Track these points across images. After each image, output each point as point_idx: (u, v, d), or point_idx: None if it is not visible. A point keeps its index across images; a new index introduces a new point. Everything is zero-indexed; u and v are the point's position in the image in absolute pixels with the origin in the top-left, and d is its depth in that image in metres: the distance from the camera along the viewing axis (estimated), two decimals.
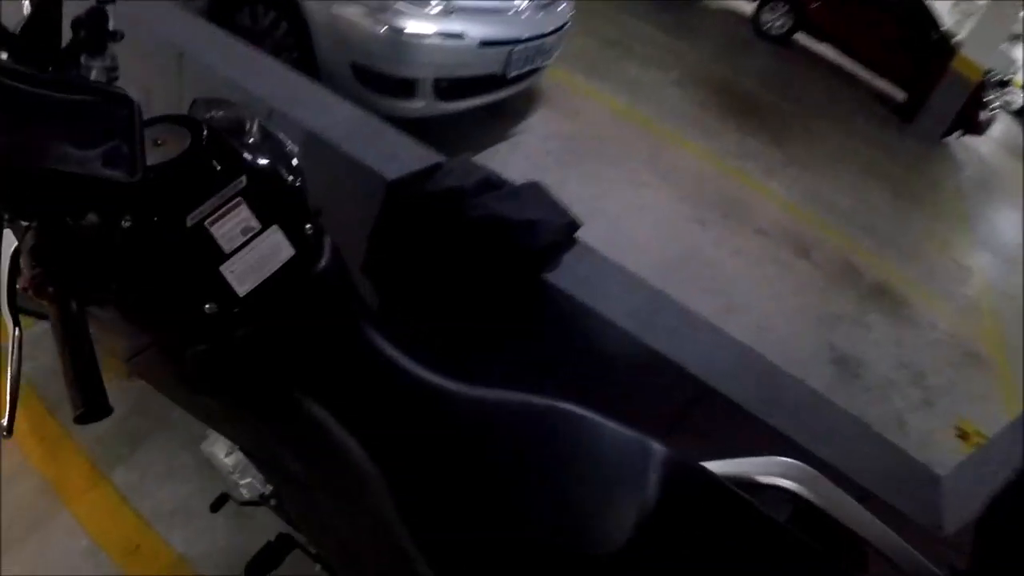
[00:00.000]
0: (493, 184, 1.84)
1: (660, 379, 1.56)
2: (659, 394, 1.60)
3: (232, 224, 0.94)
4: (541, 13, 3.80)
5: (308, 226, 1.04)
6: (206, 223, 0.92)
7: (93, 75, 1.04)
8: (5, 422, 0.81)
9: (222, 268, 0.92)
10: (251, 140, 1.06)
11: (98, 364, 0.77)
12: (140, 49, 2.42)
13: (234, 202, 0.94)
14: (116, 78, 1.10)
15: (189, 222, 0.90)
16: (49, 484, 1.99)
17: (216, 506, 1.55)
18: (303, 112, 1.97)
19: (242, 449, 1.32)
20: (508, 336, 1.79)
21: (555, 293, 1.65)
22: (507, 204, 1.75)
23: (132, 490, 2.01)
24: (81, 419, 0.73)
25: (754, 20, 9.98)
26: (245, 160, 0.98)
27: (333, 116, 2.00)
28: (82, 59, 1.05)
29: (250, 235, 0.95)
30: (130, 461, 2.04)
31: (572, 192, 3.93)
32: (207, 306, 0.91)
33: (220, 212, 0.92)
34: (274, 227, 0.98)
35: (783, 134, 6.24)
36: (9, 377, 0.81)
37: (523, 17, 3.66)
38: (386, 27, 3.01)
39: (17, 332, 0.86)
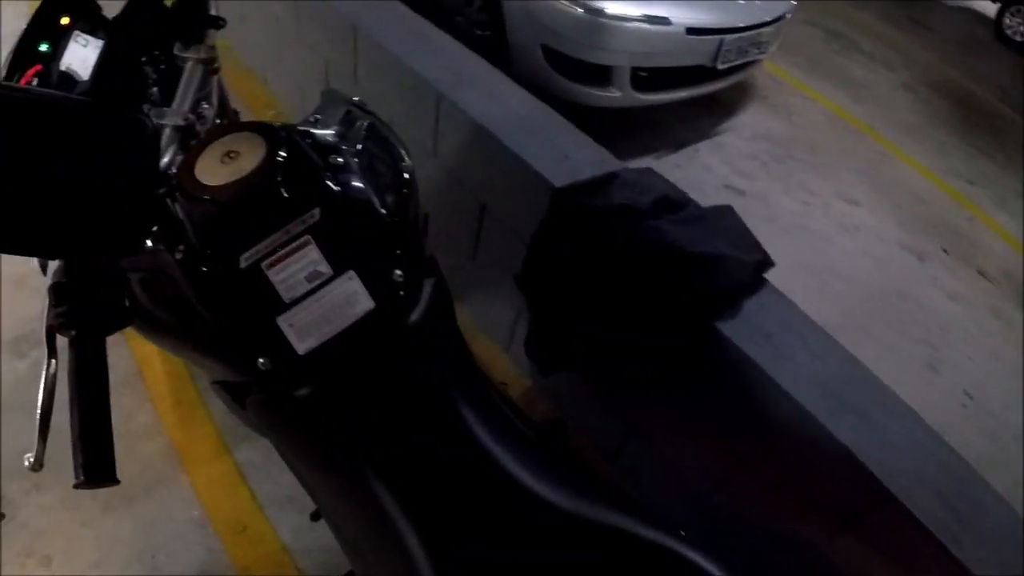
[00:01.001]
0: (674, 203, 1.63)
1: (834, 470, 1.34)
2: (830, 487, 1.38)
3: (296, 267, 0.82)
4: None
5: (398, 272, 0.90)
6: (263, 265, 0.81)
7: (188, 67, 0.99)
8: (33, 457, 0.77)
9: (279, 320, 0.82)
10: (349, 157, 0.94)
11: (110, 424, 0.72)
12: (320, 20, 2.41)
13: (301, 241, 0.82)
14: (216, 70, 1.07)
15: (243, 263, 0.80)
16: (175, 449, 2.07)
17: (316, 516, 1.49)
18: (472, 98, 1.89)
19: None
20: (663, 382, 1.63)
21: (727, 345, 1.44)
22: (688, 231, 1.54)
23: (253, 469, 2.05)
24: (81, 487, 0.68)
25: (996, 23, 8.77)
26: (325, 187, 0.86)
27: (504, 105, 1.88)
28: (176, 48, 1.01)
29: (318, 282, 0.83)
30: (256, 440, 2.02)
31: (776, 205, 3.65)
32: (260, 361, 0.82)
33: (283, 252, 0.81)
34: (350, 273, 0.85)
35: (1021, 158, 5.44)
36: (40, 410, 0.76)
37: (739, 2, 3.37)
38: (584, 7, 2.83)
39: (52, 365, 0.78)
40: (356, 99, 1.08)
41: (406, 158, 1.01)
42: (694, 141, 3.81)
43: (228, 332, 0.84)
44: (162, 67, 1.07)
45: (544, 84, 3.07)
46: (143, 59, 1.05)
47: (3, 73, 0.99)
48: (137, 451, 1.99)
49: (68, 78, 1.00)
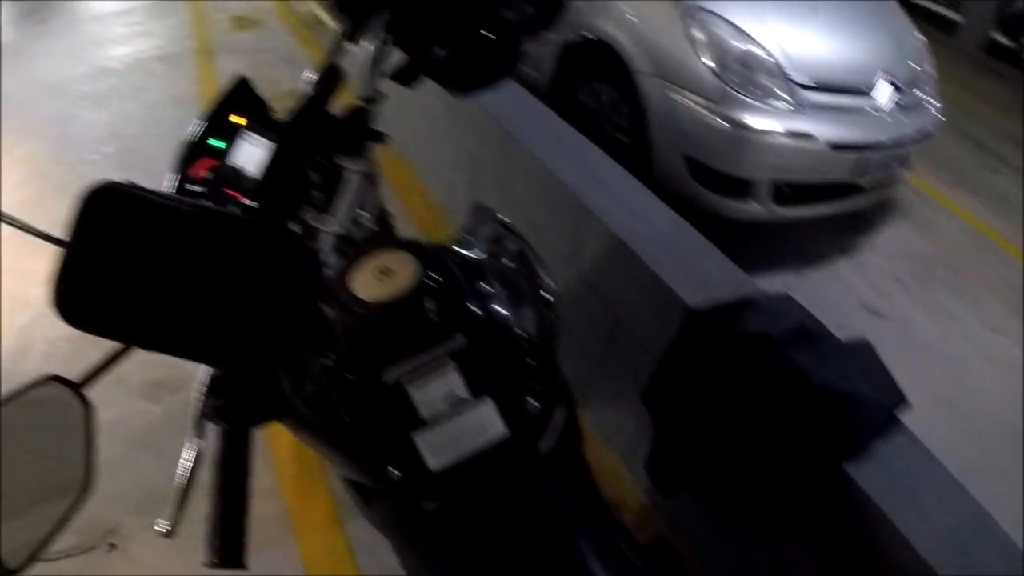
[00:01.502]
0: (811, 335, 1.62)
1: None
2: None
3: (436, 388, 0.85)
4: (906, 114, 3.45)
5: (533, 401, 0.93)
6: (404, 381, 0.84)
7: (349, 177, 1.12)
8: (165, 524, 0.83)
9: (415, 435, 0.85)
10: (496, 283, 0.98)
11: (247, 511, 0.77)
12: (471, 119, 2.55)
13: (443, 364, 0.85)
14: (375, 184, 1.18)
15: (387, 378, 0.83)
16: (289, 513, 2.18)
17: None
18: (614, 210, 1.98)
19: None
20: (785, 516, 1.62)
21: (853, 488, 1.43)
22: (824, 366, 1.52)
23: (362, 547, 2.11)
24: (209, 566, 0.74)
25: None
26: (471, 313, 0.89)
27: (644, 221, 1.94)
28: (339, 157, 1.12)
29: (455, 404, 0.86)
30: None
31: (915, 329, 3.55)
32: (391, 470, 0.86)
33: (425, 373, 0.84)
34: (487, 400, 0.87)
35: None
36: (181, 485, 0.82)
37: (885, 118, 3.35)
38: (727, 120, 2.89)
39: (198, 443, 0.85)
40: (506, 220, 1.15)
41: (551, 285, 1.06)
42: (833, 257, 3.75)
43: (364, 438, 0.89)
44: (325, 173, 1.17)
45: (684, 193, 3.16)
46: (308, 163, 1.15)
47: (178, 165, 1.07)
48: (252, 510, 2.07)
49: (238, 174, 1.06)
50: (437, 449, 0.85)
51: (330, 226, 1.05)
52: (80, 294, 0.63)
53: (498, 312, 0.94)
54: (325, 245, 1.03)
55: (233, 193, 1.04)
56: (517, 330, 0.95)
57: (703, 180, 3.11)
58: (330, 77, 1.15)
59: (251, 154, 1.09)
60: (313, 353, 0.85)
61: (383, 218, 1.37)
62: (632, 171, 2.19)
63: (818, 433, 1.44)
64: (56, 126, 4.64)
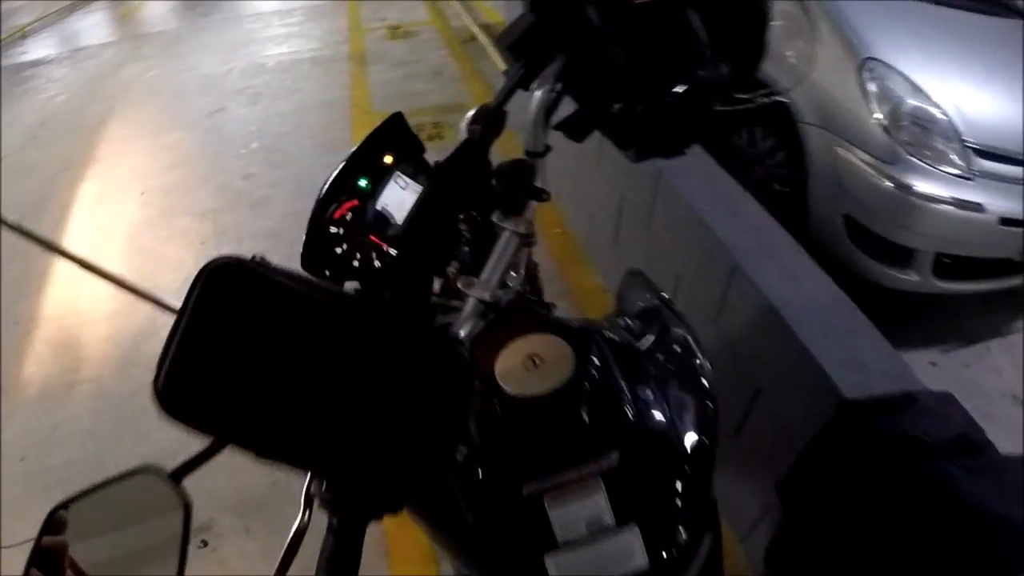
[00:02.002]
0: (971, 445, 1.46)
1: None
2: None
3: (578, 509, 0.76)
4: None
5: (683, 530, 0.83)
6: (545, 496, 0.76)
7: (503, 238, 0.97)
8: None
9: (547, 557, 0.76)
10: (657, 387, 0.89)
11: None
12: (622, 159, 2.45)
13: (591, 483, 0.76)
14: (531, 244, 1.03)
15: (525, 490, 0.76)
16: (387, 541, 2.17)
17: None
18: (769, 274, 1.84)
19: None
20: None
21: None
22: (983, 484, 1.37)
23: None
24: None
25: None
26: (628, 424, 0.81)
27: (802, 289, 1.80)
28: (494, 216, 1.00)
29: (597, 530, 0.76)
30: None
31: None
32: None
33: (570, 492, 0.76)
34: (633, 528, 0.77)
35: None
36: (282, 554, 0.73)
37: None
38: (894, 182, 2.69)
39: (303, 518, 0.75)
40: (666, 296, 1.08)
41: (711, 375, 0.96)
42: (986, 338, 3.43)
43: (489, 548, 0.82)
44: (476, 228, 1.09)
45: (838, 253, 2.98)
46: (459, 215, 1.08)
47: (320, 198, 1.02)
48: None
49: (382, 218, 1.02)
50: (569, 573, 0.76)
51: (476, 290, 0.94)
52: (188, 382, 0.54)
53: (657, 428, 0.85)
54: (468, 310, 0.95)
55: (375, 239, 0.99)
56: (675, 443, 0.86)
57: (861, 243, 2.91)
58: (492, 122, 1.06)
59: (399, 198, 1.05)
60: (446, 451, 0.74)
61: (534, 282, 1.29)
62: (784, 223, 2.06)
63: (969, 557, 1.30)
64: (207, 118, 4.88)
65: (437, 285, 1.11)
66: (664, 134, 1.07)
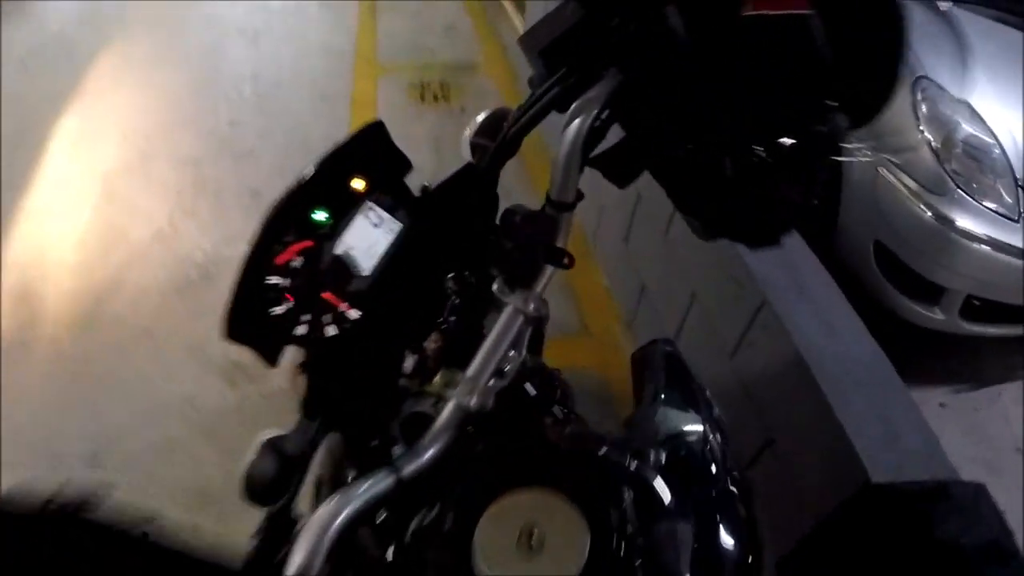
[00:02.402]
0: (1002, 553, 1.32)
1: None
2: None
3: None
4: None
5: None
6: None
7: (505, 317, 0.81)
8: None
9: None
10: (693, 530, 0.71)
11: None
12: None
13: None
14: (540, 336, 0.93)
15: None
16: None
17: None
18: (801, 318, 1.67)
19: None
20: None
21: None
22: None
23: None
24: None
25: None
26: None
27: (835, 339, 1.65)
28: (496, 285, 0.84)
29: None
30: None
31: None
32: None
33: None
34: None
35: None
36: None
37: None
38: (936, 214, 2.50)
39: None
40: (702, 387, 0.90)
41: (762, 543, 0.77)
42: (998, 381, 3.28)
43: None
44: (469, 292, 0.89)
45: (862, 278, 2.81)
46: (448, 269, 0.88)
47: (257, 235, 0.77)
48: None
49: (343, 267, 0.79)
50: None
51: (460, 393, 0.75)
52: None
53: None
54: (445, 421, 0.74)
55: (329, 296, 0.78)
56: None
57: (889, 272, 2.74)
58: (506, 143, 0.85)
59: (368, 238, 0.81)
60: None
61: (545, 381, 0.98)
62: (807, 239, 1.90)
63: None
64: (203, 58, 4.62)
65: (410, 361, 0.89)
66: (754, 207, 0.81)
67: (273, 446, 0.77)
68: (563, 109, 0.80)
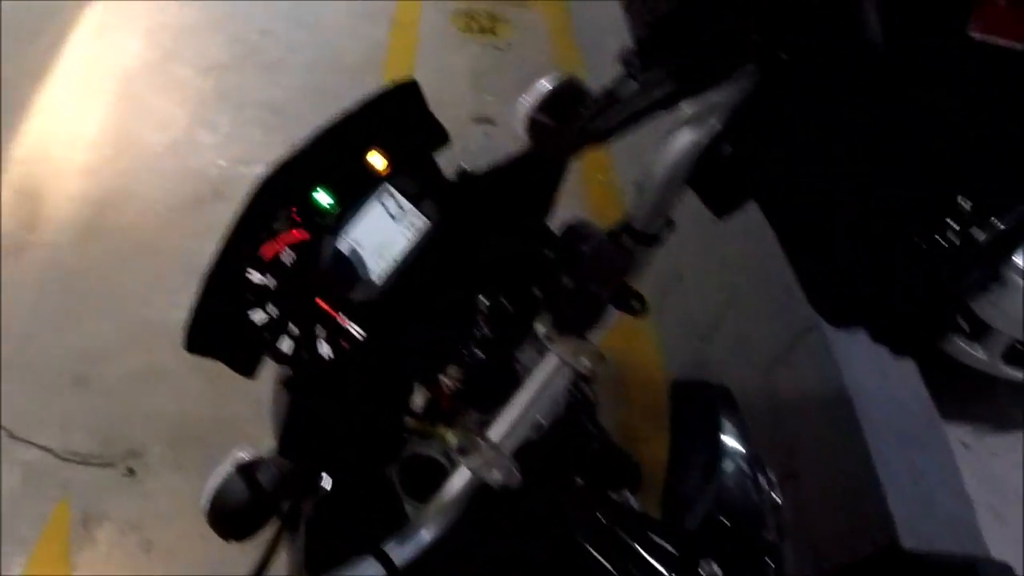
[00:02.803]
0: None
1: None
2: None
3: None
4: None
5: None
6: None
7: (548, 368, 0.67)
8: None
9: None
10: None
11: None
12: None
13: None
14: (591, 398, 0.79)
15: None
16: None
17: None
18: (853, 352, 1.52)
19: None
20: None
21: None
22: None
23: None
24: None
25: None
26: None
27: (885, 383, 1.52)
28: (540, 325, 0.69)
29: None
30: None
31: None
32: None
33: None
34: None
35: None
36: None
37: None
38: None
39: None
40: (760, 458, 0.79)
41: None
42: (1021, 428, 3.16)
43: None
44: (504, 321, 0.74)
45: None
46: (481, 289, 0.73)
47: (236, 219, 0.63)
48: None
49: (345, 268, 0.65)
50: None
51: (479, 460, 0.61)
52: None
53: None
54: (457, 491, 0.61)
55: (325, 305, 0.64)
56: None
57: None
58: (583, 134, 0.67)
59: (382, 234, 0.66)
60: None
61: (600, 468, 0.83)
62: None
63: None
64: None
65: (420, 397, 0.76)
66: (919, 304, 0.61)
67: (247, 473, 0.66)
68: (668, 105, 0.62)
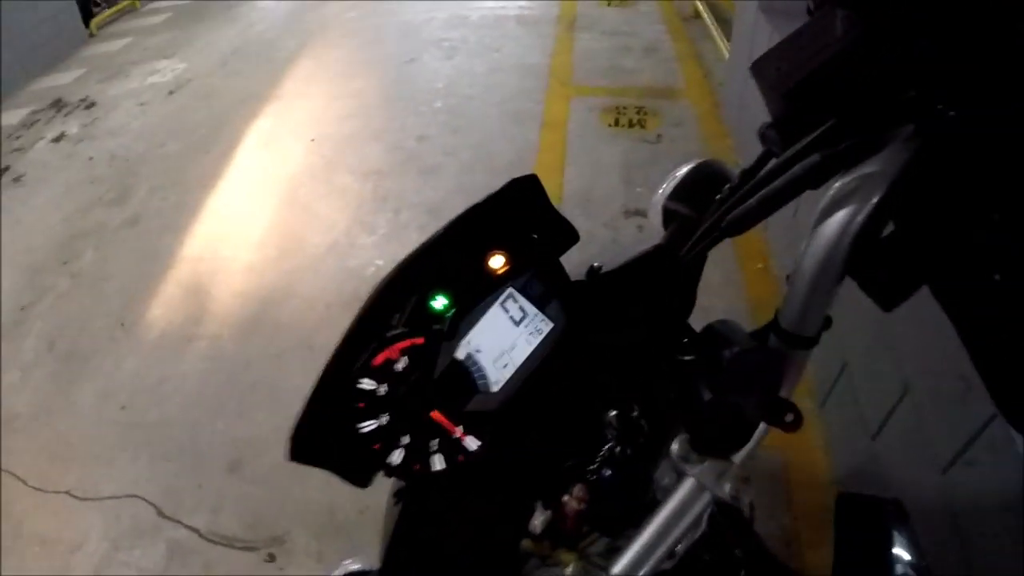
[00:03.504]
0: None
1: None
2: None
3: None
4: None
5: None
6: None
7: (684, 491, 0.60)
8: None
9: None
10: None
11: None
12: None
13: None
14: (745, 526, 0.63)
15: None
16: None
17: None
18: None
19: None
20: None
21: None
22: None
23: None
24: None
25: None
26: None
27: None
28: (676, 447, 0.61)
29: None
30: None
31: None
32: None
33: None
34: None
35: None
36: None
37: None
38: None
39: None
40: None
41: None
42: None
43: None
44: (636, 435, 0.67)
45: None
46: (611, 402, 0.66)
47: (350, 326, 0.60)
48: None
49: (463, 377, 0.60)
50: None
51: None
52: None
53: None
54: None
55: (440, 418, 0.59)
56: None
57: None
58: (716, 229, 0.59)
59: (503, 338, 0.61)
60: None
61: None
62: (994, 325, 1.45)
63: None
64: (395, 68, 4.71)
65: (540, 518, 0.68)
66: None
67: None
68: (817, 184, 0.53)
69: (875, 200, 0.50)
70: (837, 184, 0.52)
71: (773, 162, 0.56)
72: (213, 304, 2.92)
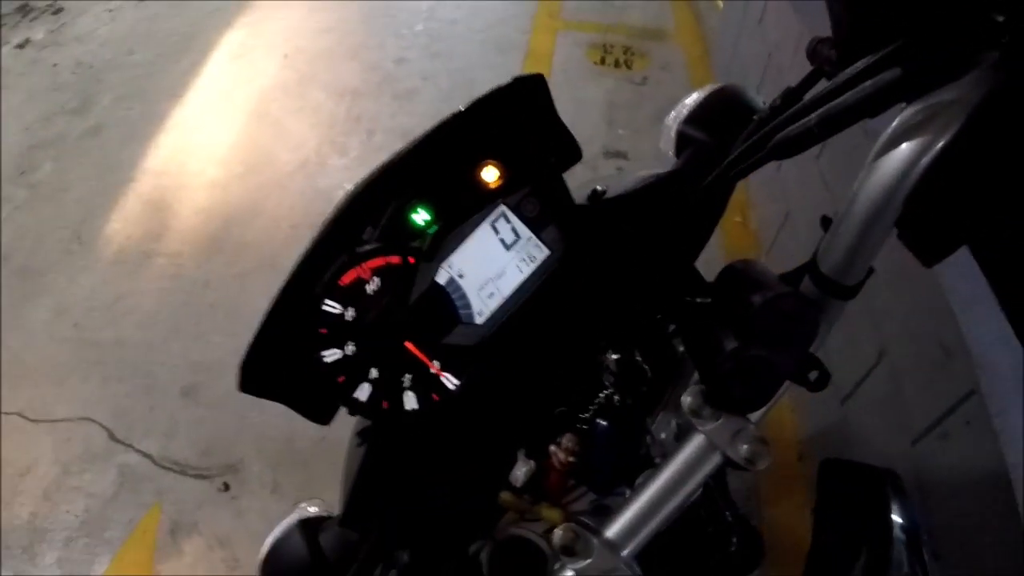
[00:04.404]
0: None
1: None
2: None
3: None
4: None
5: None
6: None
7: (692, 447, 0.52)
8: None
9: None
10: None
11: None
12: (854, 162, 1.88)
13: None
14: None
15: None
16: None
17: None
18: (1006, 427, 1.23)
19: None
20: None
21: None
22: None
23: None
24: None
25: None
26: None
27: None
28: (688, 398, 0.53)
29: None
30: None
31: None
32: None
33: None
34: None
35: None
36: None
37: None
38: None
39: None
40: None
41: None
42: None
43: None
44: (636, 382, 0.62)
45: None
46: (609, 342, 0.60)
47: (315, 238, 0.54)
48: None
49: (443, 304, 0.54)
50: None
51: (595, 561, 0.48)
52: None
53: None
54: None
55: (414, 350, 0.53)
56: None
57: None
58: (743, 157, 0.53)
59: (492, 262, 0.55)
60: None
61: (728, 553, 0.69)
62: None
63: None
64: None
65: (523, 468, 0.62)
66: None
67: (309, 531, 0.56)
68: (874, 113, 0.45)
69: (952, 132, 0.43)
70: (907, 111, 0.45)
71: (824, 83, 0.48)
72: (175, 220, 2.82)
